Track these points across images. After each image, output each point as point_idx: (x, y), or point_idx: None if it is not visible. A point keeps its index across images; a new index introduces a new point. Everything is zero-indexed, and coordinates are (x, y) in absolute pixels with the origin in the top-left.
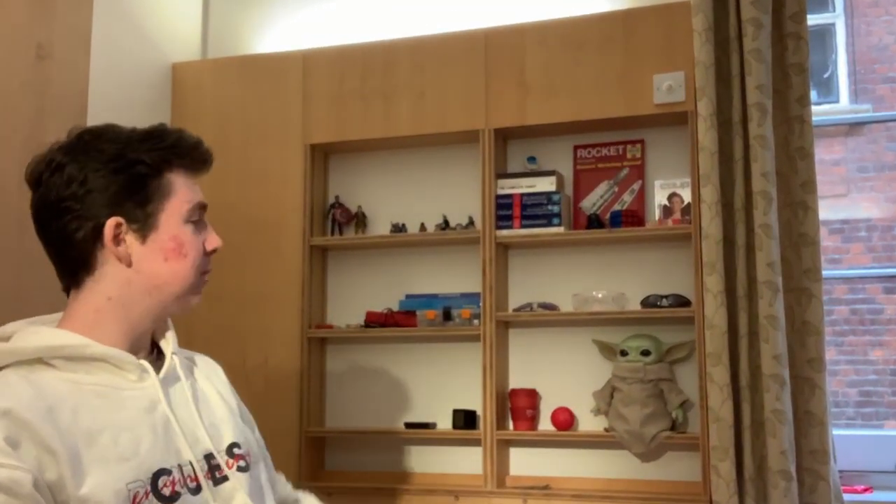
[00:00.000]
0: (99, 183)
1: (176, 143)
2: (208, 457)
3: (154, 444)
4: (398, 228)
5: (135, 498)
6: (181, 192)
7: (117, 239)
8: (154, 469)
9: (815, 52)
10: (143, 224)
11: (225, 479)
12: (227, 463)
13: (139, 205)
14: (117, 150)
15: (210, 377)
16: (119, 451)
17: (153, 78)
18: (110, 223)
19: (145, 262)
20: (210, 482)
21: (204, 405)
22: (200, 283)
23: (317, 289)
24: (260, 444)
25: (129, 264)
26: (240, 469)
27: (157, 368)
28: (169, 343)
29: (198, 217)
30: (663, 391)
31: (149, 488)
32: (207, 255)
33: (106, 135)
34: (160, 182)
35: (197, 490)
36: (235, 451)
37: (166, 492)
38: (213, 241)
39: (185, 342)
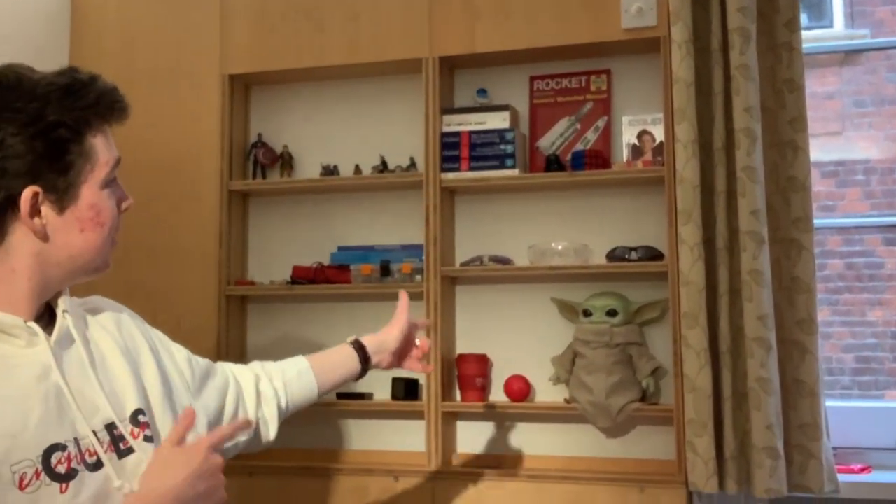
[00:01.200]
0: (17, 149)
1: (97, 100)
2: (110, 427)
3: (45, 416)
4: (329, 171)
5: (21, 480)
6: (101, 154)
7: (33, 210)
8: (45, 445)
9: None
10: (63, 194)
11: (130, 450)
12: (131, 433)
13: (59, 173)
14: (36, 111)
15: (112, 330)
16: (3, 427)
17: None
18: (27, 193)
19: (60, 233)
20: (113, 455)
21: (103, 369)
22: (112, 248)
23: (236, 240)
24: (197, 369)
25: (45, 238)
26: (146, 439)
27: (50, 331)
28: (61, 301)
29: (114, 176)
30: (632, 357)
31: (40, 467)
32: (119, 213)
33: (20, 88)
34: (82, 147)
35: (97, 465)
36: (140, 418)
37: (61, 469)
38: (125, 198)
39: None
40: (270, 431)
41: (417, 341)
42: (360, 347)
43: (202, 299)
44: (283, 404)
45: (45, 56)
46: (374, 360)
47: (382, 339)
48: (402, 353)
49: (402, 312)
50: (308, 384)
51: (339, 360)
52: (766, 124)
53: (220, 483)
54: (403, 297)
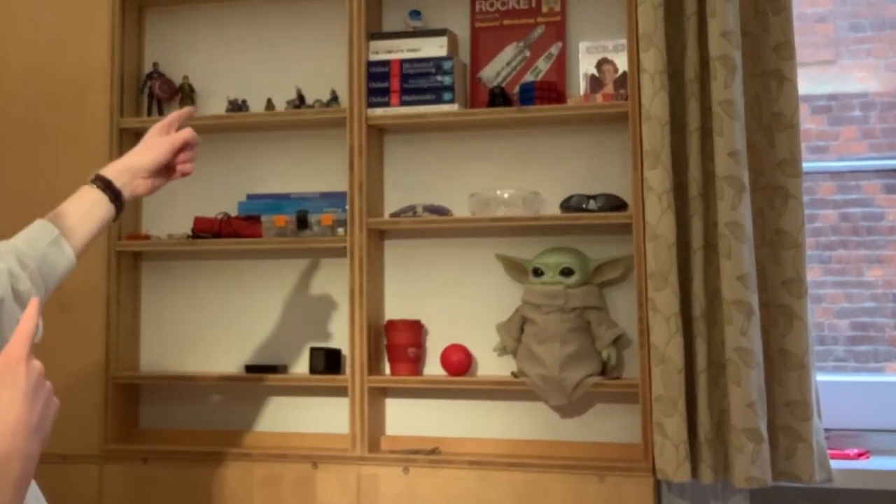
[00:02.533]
0: None
1: None
2: None
3: None
4: (237, 107)
5: None
6: None
7: None
8: None
9: None
10: None
11: None
12: None
13: None
14: None
15: None
16: None
17: None
18: None
19: None
20: None
21: None
22: None
23: None
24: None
25: None
26: None
27: None
28: None
29: None
30: (590, 323)
31: None
32: None
33: None
34: None
35: None
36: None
37: None
38: None
39: None
40: (38, 334)
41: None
42: (105, 185)
43: (88, 256)
44: (43, 293)
45: None
46: (127, 191)
47: (130, 164)
48: (165, 170)
49: (167, 126)
50: (62, 255)
51: (86, 210)
52: (747, 51)
53: (50, 390)
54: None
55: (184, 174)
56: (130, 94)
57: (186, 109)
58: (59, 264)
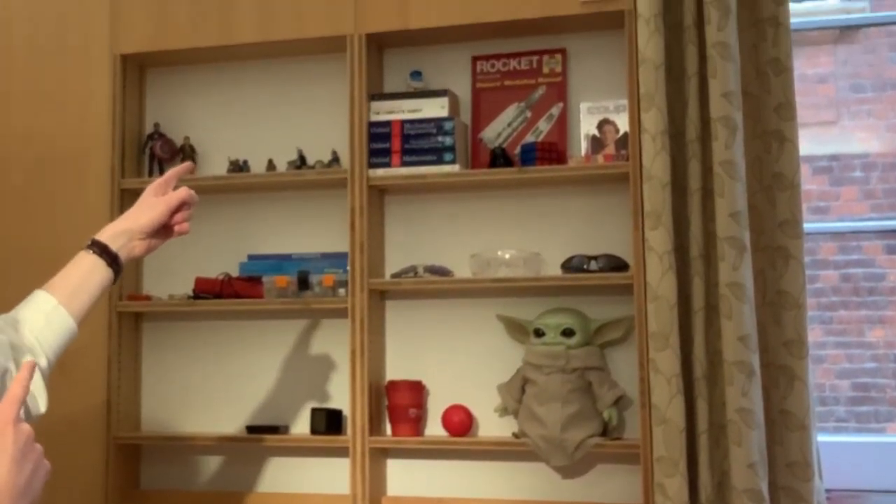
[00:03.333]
0: None
1: None
2: None
3: None
4: (238, 167)
5: None
6: None
7: None
8: None
9: None
10: None
11: None
12: None
13: None
14: None
15: None
16: None
17: None
18: None
19: None
20: None
21: None
22: None
23: None
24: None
25: None
26: None
27: None
28: None
29: None
30: (592, 384)
31: None
32: None
33: None
34: None
35: None
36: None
37: None
38: None
39: None
40: (40, 403)
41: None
42: (102, 249)
43: (89, 316)
44: (45, 364)
45: None
46: (124, 254)
47: (126, 226)
48: (163, 230)
49: (164, 185)
50: (62, 324)
51: (84, 276)
52: (749, 112)
53: (41, 454)
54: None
55: (180, 233)
56: (132, 155)
57: (185, 165)
58: (60, 334)
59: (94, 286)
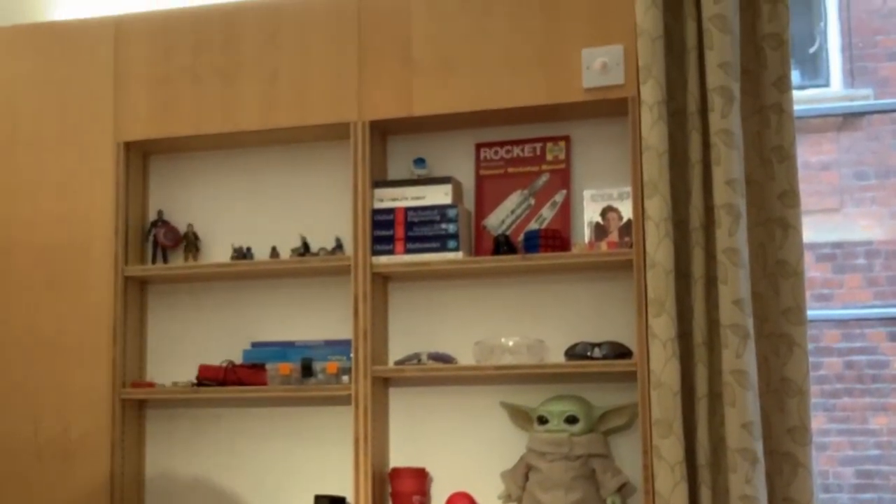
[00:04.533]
0: None
1: None
2: None
3: None
4: (241, 254)
5: None
6: None
7: None
8: None
9: (797, 19)
10: None
11: None
12: None
13: None
14: None
15: None
16: None
17: None
18: None
19: None
20: None
21: None
22: None
23: (133, 334)
24: None
25: None
26: None
27: None
28: None
29: None
30: (595, 471)
31: None
32: None
33: None
34: None
35: None
36: None
37: None
38: None
39: None
40: None
41: None
42: None
43: (93, 403)
44: None
45: None
46: None
47: None
48: None
49: None
50: None
51: None
52: (752, 199)
53: None
54: None
55: None
56: (135, 242)
57: None
58: None
59: None
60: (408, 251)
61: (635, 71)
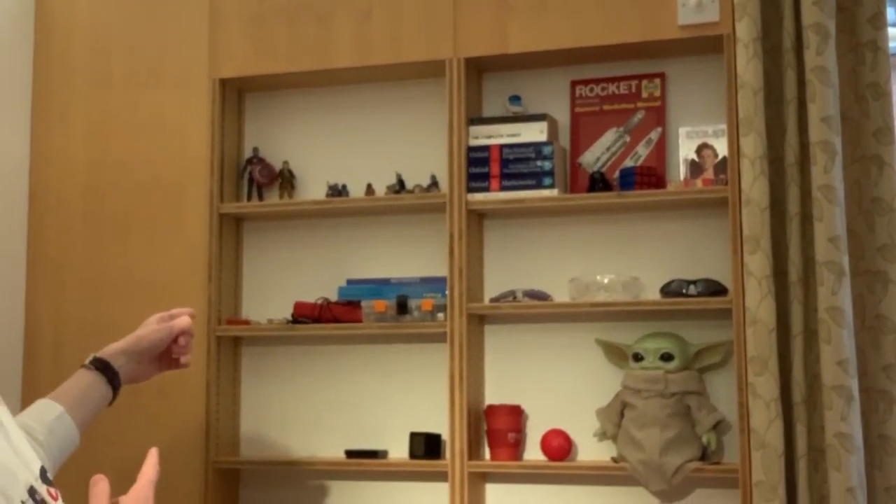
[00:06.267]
0: None
1: None
2: (31, 492)
3: None
4: (337, 192)
5: None
6: None
7: None
8: None
9: None
10: None
11: None
12: (49, 493)
13: None
14: None
15: None
16: None
17: None
18: None
19: None
20: None
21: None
22: None
23: (228, 272)
24: None
25: None
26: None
27: None
28: None
29: None
30: (691, 408)
31: None
32: None
33: None
34: None
35: None
36: (48, 475)
37: None
38: None
39: (53, 344)
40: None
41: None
42: (103, 366)
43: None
44: (50, 468)
45: (5, 61)
46: (123, 373)
47: (127, 347)
48: (164, 356)
49: (168, 317)
50: (67, 430)
51: (84, 390)
52: (847, 136)
53: None
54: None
55: (184, 366)
56: (231, 180)
57: (188, 310)
58: (65, 439)
59: (93, 401)
60: (503, 188)
61: (730, 8)
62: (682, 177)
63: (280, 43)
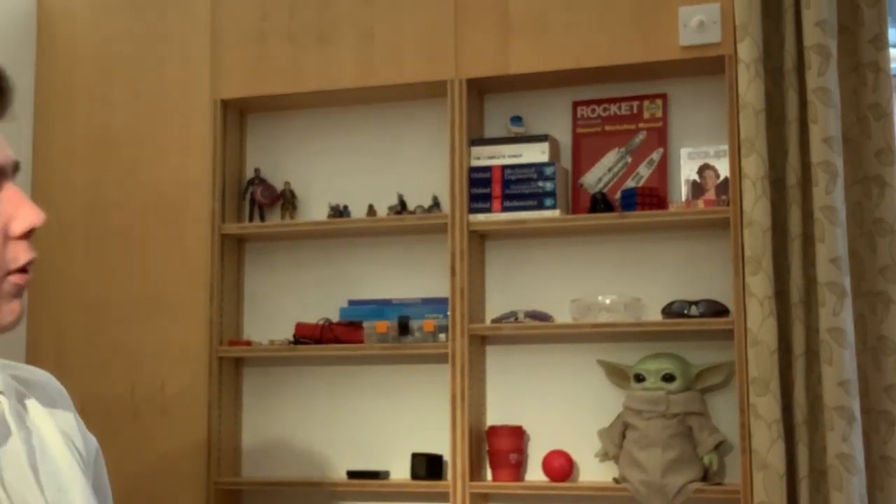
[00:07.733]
0: None
1: None
2: None
3: None
4: (338, 212)
5: None
6: None
7: None
8: None
9: None
10: None
11: None
12: None
13: None
14: None
15: (52, 410)
16: None
17: (13, 8)
18: None
19: None
20: None
21: (45, 461)
22: (10, 287)
23: (230, 293)
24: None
25: None
26: None
27: None
28: None
29: None
30: (692, 429)
31: None
32: (19, 239)
33: None
34: None
35: None
36: None
37: None
38: (27, 216)
39: (56, 366)
40: None
41: None
42: None
43: (190, 361)
44: None
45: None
46: None
47: None
48: None
49: None
50: None
51: None
52: (849, 157)
53: None
54: None
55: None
56: (232, 200)
57: None
58: None
59: None
60: (505, 209)
61: (732, 29)
62: (683, 198)
63: (282, 64)
